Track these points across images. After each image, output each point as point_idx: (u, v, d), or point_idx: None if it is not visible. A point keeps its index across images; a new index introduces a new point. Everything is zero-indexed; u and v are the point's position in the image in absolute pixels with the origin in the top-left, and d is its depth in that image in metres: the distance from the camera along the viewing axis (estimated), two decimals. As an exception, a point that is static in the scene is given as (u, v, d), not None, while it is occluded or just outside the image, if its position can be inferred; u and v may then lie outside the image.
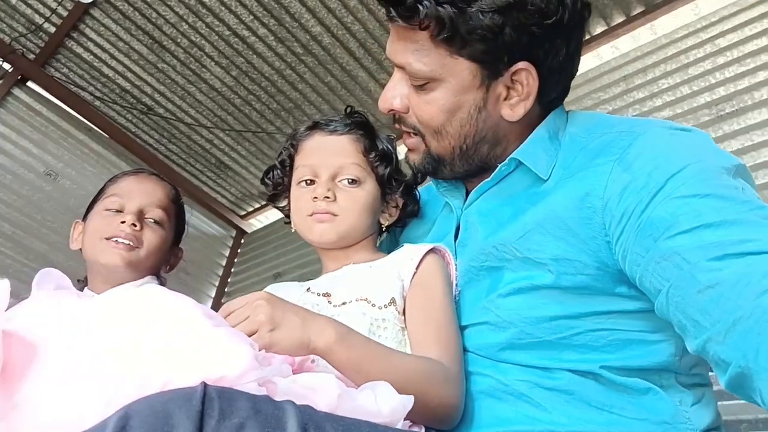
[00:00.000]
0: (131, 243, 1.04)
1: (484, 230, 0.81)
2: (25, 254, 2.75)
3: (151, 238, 1.07)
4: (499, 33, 0.72)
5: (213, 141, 3.17)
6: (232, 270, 3.75)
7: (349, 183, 0.85)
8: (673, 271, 0.61)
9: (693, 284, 0.59)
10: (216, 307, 3.44)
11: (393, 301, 0.76)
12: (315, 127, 0.91)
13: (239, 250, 3.84)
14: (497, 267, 0.77)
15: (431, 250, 0.82)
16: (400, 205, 0.93)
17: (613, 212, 0.68)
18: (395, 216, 0.93)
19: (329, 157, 0.87)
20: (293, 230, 0.91)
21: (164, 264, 1.14)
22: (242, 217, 3.87)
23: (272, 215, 3.82)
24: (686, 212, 0.62)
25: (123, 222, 1.04)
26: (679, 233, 0.62)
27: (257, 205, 3.76)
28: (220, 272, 3.72)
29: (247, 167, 3.37)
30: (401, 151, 0.95)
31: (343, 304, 0.77)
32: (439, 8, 0.70)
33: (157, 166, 3.29)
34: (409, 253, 0.82)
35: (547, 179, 0.78)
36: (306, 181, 0.87)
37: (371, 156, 0.88)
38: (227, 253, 3.81)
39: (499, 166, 0.81)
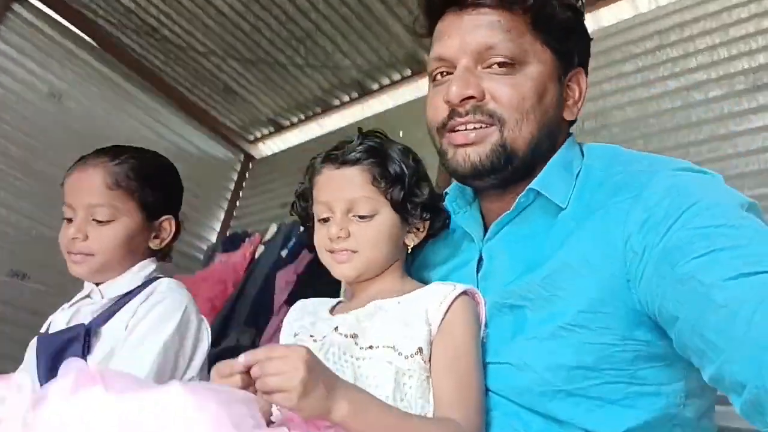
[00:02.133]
0: (82, 252, 1.02)
1: (509, 267, 0.81)
2: (34, 177, 2.75)
3: (98, 241, 1.02)
4: (574, 30, 0.85)
5: (221, 66, 3.05)
6: (240, 195, 3.76)
7: (360, 218, 0.83)
8: (690, 295, 0.62)
9: (709, 305, 0.60)
10: (224, 231, 3.53)
11: (420, 351, 0.75)
12: (327, 159, 0.88)
13: (247, 176, 3.83)
14: (520, 306, 0.77)
15: (462, 292, 0.81)
16: (426, 224, 0.90)
17: (634, 248, 0.70)
18: (422, 235, 0.91)
19: (339, 191, 0.84)
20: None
21: (148, 241, 1.10)
22: (250, 142, 3.81)
23: (282, 142, 3.76)
24: (701, 239, 0.64)
25: (72, 237, 1.01)
26: (694, 258, 0.63)
27: (266, 132, 3.69)
28: (228, 196, 3.73)
29: (256, 93, 3.26)
30: (425, 157, 0.92)
31: (370, 347, 0.77)
32: None
33: (164, 89, 3.20)
34: (439, 295, 0.80)
35: (566, 207, 0.80)
36: (322, 219, 0.86)
37: (382, 184, 0.84)
38: (235, 177, 3.80)
39: (518, 197, 0.82)
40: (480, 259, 0.87)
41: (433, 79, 0.89)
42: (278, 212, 3.35)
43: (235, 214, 3.67)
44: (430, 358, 0.77)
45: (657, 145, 2.02)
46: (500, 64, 0.80)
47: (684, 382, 0.72)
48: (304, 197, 0.93)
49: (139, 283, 1.05)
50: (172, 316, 0.97)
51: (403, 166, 0.86)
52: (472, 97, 0.81)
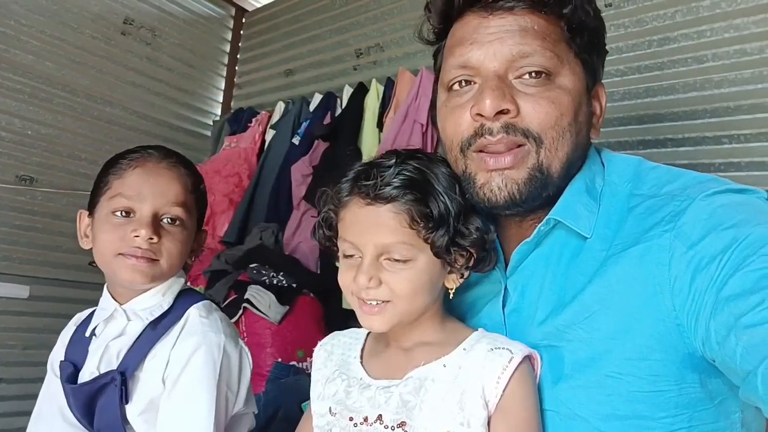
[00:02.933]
0: (150, 257, 0.91)
1: (540, 303, 0.76)
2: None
3: (171, 246, 0.93)
4: (601, 41, 0.79)
5: None
6: (238, 57, 3.43)
7: (395, 261, 0.72)
8: (764, 348, 0.57)
9: None
10: (227, 102, 3.30)
11: None
12: (354, 190, 0.74)
13: (242, 32, 3.45)
14: (556, 346, 0.73)
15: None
16: (472, 261, 0.77)
17: (683, 292, 0.65)
18: (466, 277, 0.78)
19: (370, 234, 0.72)
20: None
21: (188, 256, 1.01)
22: (240, -7, 3.35)
23: (275, -9, 3.29)
24: (764, 288, 0.58)
25: (136, 236, 0.89)
26: (761, 309, 0.57)
27: (255, -20, 3.21)
28: (225, 60, 3.41)
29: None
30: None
31: None
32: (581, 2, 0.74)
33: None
34: (496, 368, 0.70)
35: (590, 237, 0.74)
36: (349, 256, 0.75)
37: (421, 227, 0.71)
38: (229, 37, 3.43)
39: (538, 227, 0.76)
40: (504, 289, 0.81)
41: (449, 89, 0.79)
42: (282, 82, 3.07)
43: (236, 81, 3.39)
44: None
45: (727, 7, 1.68)
46: (535, 75, 0.73)
47: (739, 414, 0.70)
48: (328, 224, 0.80)
49: (168, 306, 0.95)
50: (212, 366, 0.89)
51: (449, 202, 0.73)
52: (505, 111, 0.72)
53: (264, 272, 2.17)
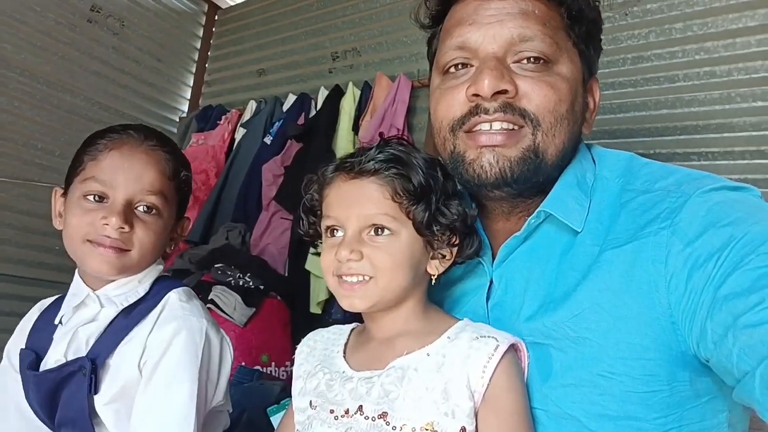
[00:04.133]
0: (120, 247, 0.85)
1: (526, 298, 0.74)
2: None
3: (144, 236, 0.86)
4: (597, 33, 0.78)
5: None
6: (209, 54, 3.35)
7: (376, 237, 0.71)
8: (762, 349, 0.55)
9: None
10: (195, 100, 3.21)
11: (463, 430, 0.66)
12: (339, 168, 0.75)
13: (214, 30, 3.37)
14: (543, 344, 0.71)
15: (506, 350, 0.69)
16: (454, 251, 0.75)
17: (679, 290, 0.64)
18: (448, 263, 0.76)
19: (353, 207, 0.72)
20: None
21: (167, 245, 0.95)
22: (214, -11, 3.29)
23: (250, -10, 3.25)
24: (763, 287, 0.57)
25: (106, 224, 0.83)
26: (761, 309, 0.56)
27: (231, -22, 3.16)
28: (196, 56, 3.33)
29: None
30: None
31: (404, 428, 0.66)
32: None
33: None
34: (482, 357, 0.67)
35: (581, 231, 0.73)
36: (330, 236, 0.74)
37: (404, 200, 0.71)
38: (201, 33, 3.35)
39: (528, 220, 0.74)
40: (490, 283, 0.78)
41: (444, 71, 0.77)
42: (254, 81, 3.02)
43: (205, 78, 3.31)
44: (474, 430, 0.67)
45: (698, 31, 1.75)
46: (533, 60, 0.71)
47: (726, 413, 0.68)
48: (312, 212, 0.79)
49: (144, 293, 0.89)
50: (194, 351, 0.83)
51: (430, 180, 0.73)
52: (504, 92, 0.70)
53: (229, 273, 2.10)
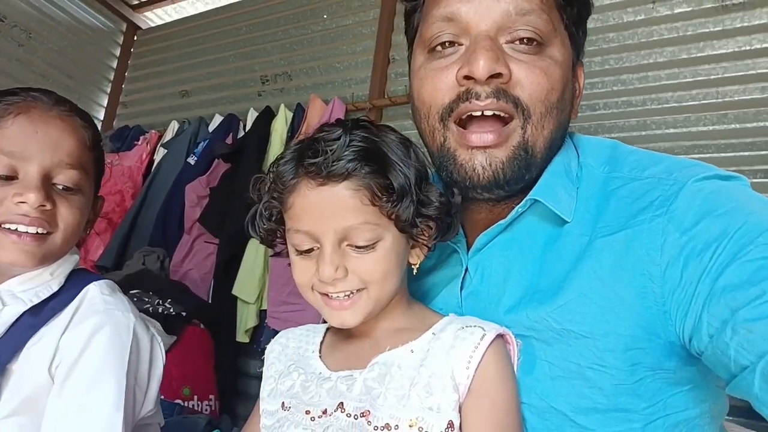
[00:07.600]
0: (41, 230, 0.72)
1: (506, 288, 0.70)
2: None
3: (69, 215, 0.74)
4: (586, 17, 0.73)
5: None
6: (126, 75, 3.18)
7: (358, 248, 0.63)
8: (763, 344, 0.54)
9: None
10: (109, 121, 3.01)
11: (450, 425, 0.60)
12: (303, 169, 0.63)
13: (133, 50, 3.22)
14: (527, 336, 0.67)
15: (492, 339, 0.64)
16: (433, 234, 0.70)
17: (674, 279, 0.61)
18: (429, 249, 0.71)
19: (327, 219, 0.62)
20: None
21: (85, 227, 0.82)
22: (133, 8, 3.15)
23: (173, 11, 3.15)
24: (762, 279, 0.55)
25: (22, 202, 0.70)
26: (761, 302, 0.54)
27: (153, -3, 3.05)
28: (111, 76, 3.15)
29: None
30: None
31: (387, 427, 0.60)
32: None
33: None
34: (467, 348, 0.63)
35: (570, 221, 0.69)
36: (304, 252, 0.65)
37: (385, 201, 0.62)
38: (117, 52, 3.19)
39: (516, 207, 0.70)
40: (465, 273, 0.74)
41: (431, 49, 0.70)
42: (176, 102, 2.89)
43: (121, 99, 3.12)
44: (461, 425, 0.62)
45: (615, 65, 1.89)
46: (527, 41, 0.66)
47: (709, 404, 0.67)
48: (268, 215, 0.69)
49: (58, 288, 0.76)
50: (120, 350, 0.71)
51: (407, 171, 0.65)
52: (498, 75, 0.64)
53: (147, 299, 1.93)
